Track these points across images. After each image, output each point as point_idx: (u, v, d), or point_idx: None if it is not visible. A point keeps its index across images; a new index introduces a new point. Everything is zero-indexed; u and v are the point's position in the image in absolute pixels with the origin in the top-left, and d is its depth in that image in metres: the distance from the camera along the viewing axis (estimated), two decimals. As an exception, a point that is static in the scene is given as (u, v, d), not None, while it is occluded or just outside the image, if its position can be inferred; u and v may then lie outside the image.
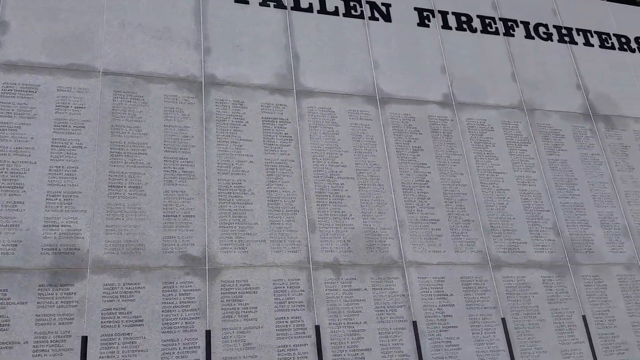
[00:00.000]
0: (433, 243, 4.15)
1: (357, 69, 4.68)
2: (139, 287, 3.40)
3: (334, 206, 4.00)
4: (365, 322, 3.72)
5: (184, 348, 3.32)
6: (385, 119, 4.54)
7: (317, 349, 3.54)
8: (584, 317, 4.24)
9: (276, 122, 4.16)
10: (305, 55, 4.54)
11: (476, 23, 5.31)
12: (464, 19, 5.27)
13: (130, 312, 3.35)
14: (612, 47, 5.83)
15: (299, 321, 3.59)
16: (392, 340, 3.72)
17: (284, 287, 3.65)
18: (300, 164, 4.07)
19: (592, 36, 5.81)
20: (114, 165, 3.67)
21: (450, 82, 4.96)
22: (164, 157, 3.76)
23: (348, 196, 4.09)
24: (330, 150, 4.21)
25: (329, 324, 3.64)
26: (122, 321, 3.31)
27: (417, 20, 5.10)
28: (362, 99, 4.56)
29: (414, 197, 4.28)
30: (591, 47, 5.74)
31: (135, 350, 3.26)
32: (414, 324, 3.83)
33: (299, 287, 3.68)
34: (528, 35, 5.49)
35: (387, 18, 4.99)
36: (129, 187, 3.62)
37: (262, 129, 4.10)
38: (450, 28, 5.20)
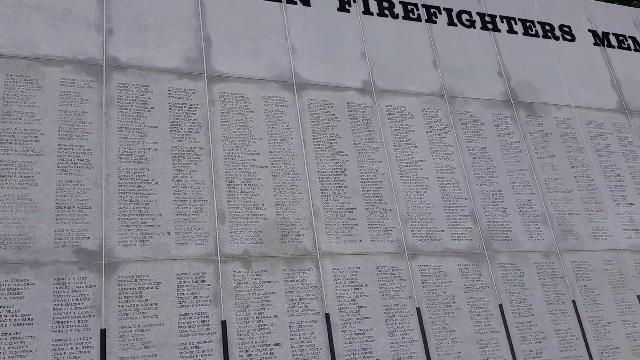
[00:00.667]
0: (349, 233, 4.08)
1: (274, 54, 4.54)
2: (28, 284, 3.19)
3: (246, 196, 3.87)
4: (276, 315, 3.61)
5: (77, 348, 3.13)
6: (302, 106, 4.42)
7: (223, 345, 3.41)
8: (500, 306, 4.26)
9: (185, 107, 3.98)
10: (218, 39, 4.37)
11: (398, 9, 5.25)
12: (385, 4, 5.21)
13: (19, 311, 3.13)
14: (536, 35, 5.90)
15: (203, 317, 3.44)
16: (303, 333, 3.62)
17: (188, 281, 3.50)
18: (210, 152, 3.91)
19: (515, 23, 5.85)
20: (3, 154, 3.42)
21: (370, 68, 4.89)
22: (59, 145, 3.54)
23: (261, 185, 3.96)
24: (243, 138, 4.07)
25: (237, 319, 3.51)
26: (9, 320, 3.09)
27: (337, 5, 5.00)
28: (278, 85, 4.43)
29: (330, 186, 4.19)
30: (515, 35, 5.78)
31: (24, 351, 3.06)
32: (327, 316, 3.75)
33: (205, 281, 3.53)
34: (451, 22, 5.48)
35: (305, 2, 4.87)
36: (19, 176, 3.39)
37: (169, 115, 3.92)
38: (371, 13, 5.12)
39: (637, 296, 4.80)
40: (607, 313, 4.59)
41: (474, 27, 5.57)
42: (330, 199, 4.15)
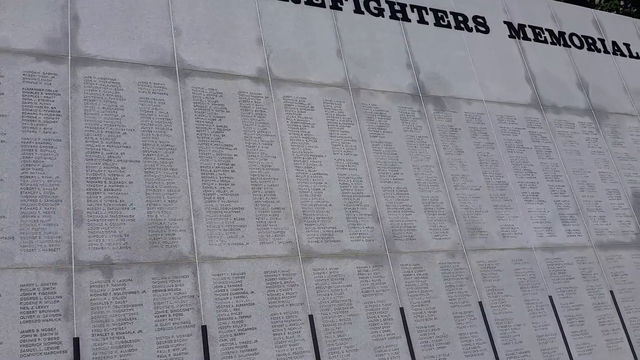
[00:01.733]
0: (234, 234, 3.69)
1: (153, 36, 4.11)
2: None
3: (110, 194, 3.42)
4: (141, 330, 3.17)
5: None
6: (186, 94, 4.01)
7: (74, 366, 2.94)
8: (401, 310, 3.97)
9: (41, 93, 3.49)
10: (88, 18, 3.90)
11: (299, -7, 4.92)
12: (283, -13, 4.87)
13: None
14: (448, 26, 5.69)
15: (51, 334, 2.97)
16: (173, 350, 3.20)
17: (34, 293, 3.02)
18: (69, 144, 3.44)
19: (427, 13, 5.63)
20: None
21: (267, 55, 4.53)
22: None
23: (130, 182, 3.52)
24: (111, 129, 3.61)
25: (92, 335, 3.05)
26: None
27: (230, -14, 4.62)
28: (157, 70, 4.00)
29: (214, 183, 3.79)
30: (425, 25, 5.55)
31: None
32: (203, 328, 3.34)
33: (55, 292, 3.06)
34: (357, 10, 5.19)
35: (192, -19, 4.46)
36: None
37: (21, 101, 3.42)
38: (268, -4, 4.76)
39: (549, 297, 4.63)
40: (516, 315, 4.38)
41: (383, 16, 5.30)
42: (214, 198, 3.75)
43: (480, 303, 4.30)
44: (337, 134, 4.47)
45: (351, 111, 4.65)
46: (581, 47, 6.50)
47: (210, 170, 3.85)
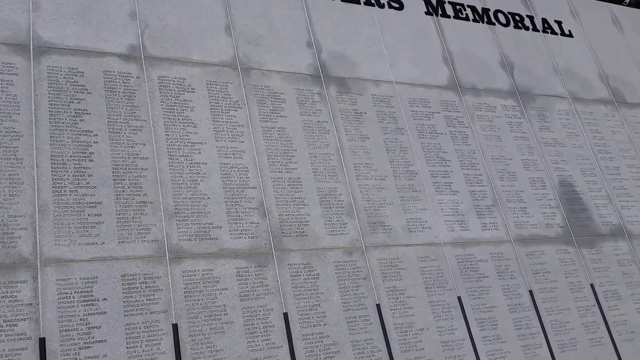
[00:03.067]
0: (88, 233, 3.48)
1: (7, 11, 3.86)
2: None
3: None
4: (-40, 345, 2.94)
5: None
6: (40, 74, 3.77)
7: None
8: (285, 315, 3.84)
9: None
10: None
11: (179, -40, 4.71)
12: (160, -47, 4.65)
13: None
14: (357, 1, 5.58)
15: None
16: (1, 366, 2.98)
17: None
18: None
19: (335, -12, 5.50)
20: None
21: (141, 31, 4.32)
22: None
23: (-42, 174, 3.26)
24: (-64, 112, 3.34)
25: None
26: None
27: (95, -50, 4.38)
28: (8, 49, 3.76)
29: (67, 175, 3.57)
30: (331, 1, 5.41)
31: None
32: (41, 341, 3.12)
33: None
34: (252, -19, 5.02)
35: (48, -57, 4.21)
36: None
37: None
38: (142, -37, 4.54)
39: (458, 297, 4.58)
40: (419, 318, 4.31)
41: (281, -12, 5.15)
42: (65, 191, 3.53)
43: (378, 306, 4.22)
44: (222, 118, 4.30)
45: (239, 93, 4.48)
46: (507, 25, 6.50)
47: (63, 160, 3.63)
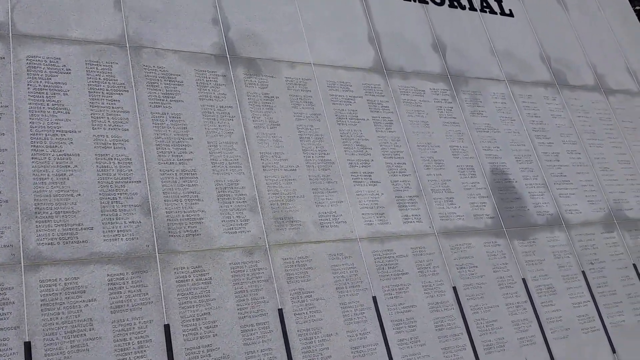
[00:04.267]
0: None
1: None
2: None
3: None
4: None
5: None
6: None
7: None
8: (166, 327, 3.26)
9: None
10: None
11: None
12: None
13: None
14: (274, -24, 4.95)
15: None
16: None
17: None
18: None
19: (249, -39, 4.87)
20: None
21: (11, 6, 3.65)
22: None
23: None
24: None
25: None
26: None
27: None
28: None
29: None
30: (245, -26, 4.79)
31: None
32: None
33: None
34: (149, -50, 4.36)
35: None
36: None
37: None
38: None
39: (373, 297, 4.04)
40: (327, 323, 3.77)
41: (184, -40, 4.50)
42: None
43: (280, 311, 3.66)
44: (102, 103, 3.68)
45: (126, 75, 3.86)
46: (441, 4, 5.94)
47: None
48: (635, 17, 8.00)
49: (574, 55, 6.65)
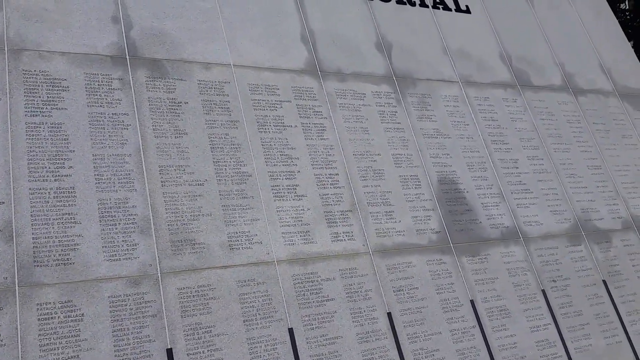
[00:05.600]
0: None
1: None
2: None
3: None
4: None
5: None
6: None
7: None
8: (18, 375, 2.65)
9: None
10: None
11: None
12: None
13: None
14: (194, -29, 4.38)
15: None
16: None
17: None
18: None
19: (165, -46, 4.30)
20: None
21: None
22: None
23: None
24: None
25: None
26: None
27: None
28: None
29: None
30: (157, -32, 4.22)
31: None
32: None
33: None
34: (39, -58, 3.79)
35: None
36: None
37: None
38: None
39: (289, 329, 3.44)
40: (228, 361, 3.16)
41: (82, -48, 3.94)
42: None
43: (169, 351, 3.07)
44: (-37, 113, 3.09)
45: (1, 82, 3.26)
46: (388, 0, 5.35)
47: None
48: (610, 11, 7.41)
49: (539, 54, 6.07)
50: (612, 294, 4.97)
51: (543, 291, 4.63)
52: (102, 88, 3.65)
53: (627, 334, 4.80)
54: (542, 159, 5.39)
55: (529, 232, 4.86)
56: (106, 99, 3.63)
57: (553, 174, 5.34)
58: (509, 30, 6.09)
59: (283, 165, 4.05)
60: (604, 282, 5.00)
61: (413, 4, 5.59)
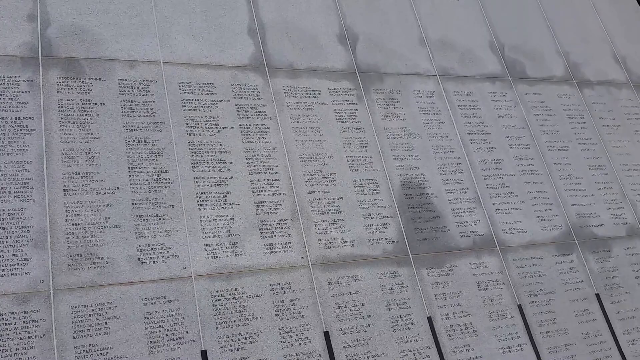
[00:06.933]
0: None
1: None
2: None
3: None
4: None
5: None
6: None
7: None
8: None
9: None
10: None
11: None
12: None
13: None
14: (130, -37, 4.21)
15: None
16: None
17: None
18: None
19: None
20: None
21: None
22: None
23: None
24: None
25: None
26: None
27: None
28: None
29: None
30: (88, -38, 4.06)
31: None
32: None
33: None
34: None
35: None
36: None
37: None
38: None
39: (202, 352, 3.21)
40: (122, 388, 2.94)
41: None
42: None
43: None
44: None
45: None
46: (356, -12, 5.06)
47: None
48: (629, -6, 6.87)
49: (539, 42, 5.65)
50: (606, 309, 4.51)
51: (519, 306, 4.22)
52: (7, 91, 3.49)
53: (622, 355, 4.34)
54: (533, 159, 4.97)
55: (508, 241, 4.46)
56: (10, 102, 3.46)
57: (544, 176, 4.91)
58: (503, 17, 5.68)
59: (213, 170, 3.80)
60: (597, 296, 4.54)
61: (386, -8, 5.26)
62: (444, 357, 3.86)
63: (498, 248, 4.44)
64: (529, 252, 4.52)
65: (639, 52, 6.33)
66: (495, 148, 4.91)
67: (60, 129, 3.54)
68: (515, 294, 4.29)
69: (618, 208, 5.10)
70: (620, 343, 4.41)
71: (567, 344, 4.27)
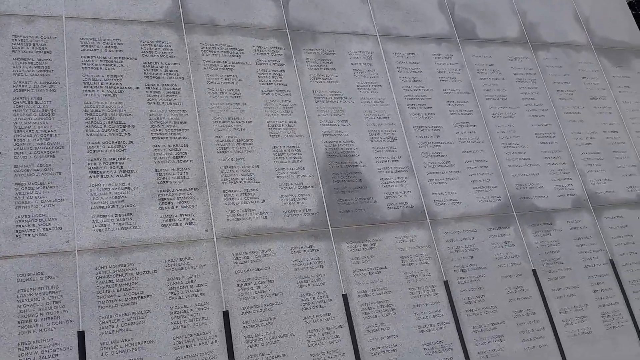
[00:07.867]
0: None
1: None
2: None
3: None
4: None
5: None
6: None
7: None
8: None
9: None
10: None
11: None
12: None
13: None
14: None
15: None
16: None
17: None
18: None
19: None
20: None
21: None
22: None
23: None
24: None
25: None
26: None
27: None
28: None
29: None
30: None
31: None
32: None
33: None
34: None
35: None
36: None
37: None
38: None
39: (79, 332, 2.85)
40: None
41: None
42: None
43: None
44: None
45: None
46: (291, -61, 4.55)
47: None
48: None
49: (494, 0, 5.14)
50: (542, 286, 4.16)
51: (446, 282, 3.88)
52: None
53: (557, 336, 4.02)
54: (475, 126, 4.56)
55: (440, 213, 4.09)
56: None
57: (486, 144, 4.51)
58: (457, -26, 5.18)
59: (110, 134, 3.39)
60: (534, 271, 4.20)
61: (326, -56, 4.74)
62: (356, 336, 3.53)
63: (428, 220, 4.07)
64: (462, 224, 4.15)
65: (605, 12, 5.83)
66: (434, 114, 4.50)
67: None
68: (443, 270, 3.94)
69: (565, 179, 4.71)
70: (555, 323, 4.08)
71: (495, 322, 3.94)
